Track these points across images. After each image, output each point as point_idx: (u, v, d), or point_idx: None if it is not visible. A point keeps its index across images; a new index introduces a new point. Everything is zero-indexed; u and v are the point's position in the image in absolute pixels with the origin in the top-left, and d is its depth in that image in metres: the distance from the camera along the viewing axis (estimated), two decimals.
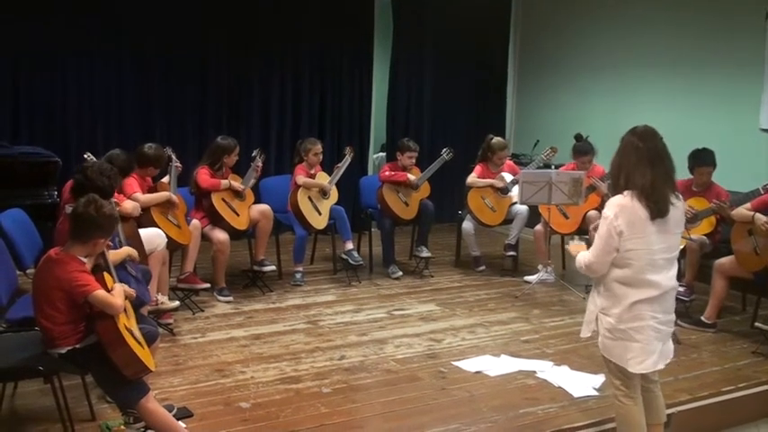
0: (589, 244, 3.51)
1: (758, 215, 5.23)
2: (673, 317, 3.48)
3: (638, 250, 3.30)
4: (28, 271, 4.42)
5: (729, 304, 5.93)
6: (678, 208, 3.40)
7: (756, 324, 5.24)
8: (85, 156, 4.99)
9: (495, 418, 4.01)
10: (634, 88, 8.12)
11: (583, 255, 3.49)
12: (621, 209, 3.30)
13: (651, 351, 3.37)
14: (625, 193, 3.33)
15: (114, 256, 3.80)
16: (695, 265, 5.82)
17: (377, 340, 5.22)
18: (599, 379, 4.49)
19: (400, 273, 6.92)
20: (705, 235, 5.80)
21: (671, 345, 3.51)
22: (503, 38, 9.81)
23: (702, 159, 5.86)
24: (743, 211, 5.37)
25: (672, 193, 3.36)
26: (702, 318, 5.53)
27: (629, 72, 8.17)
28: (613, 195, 3.39)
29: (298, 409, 4.04)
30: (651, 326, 3.35)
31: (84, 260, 3.41)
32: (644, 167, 3.29)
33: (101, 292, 3.27)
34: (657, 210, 3.29)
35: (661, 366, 3.45)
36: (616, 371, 3.46)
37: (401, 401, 4.21)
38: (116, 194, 4.48)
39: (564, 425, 3.96)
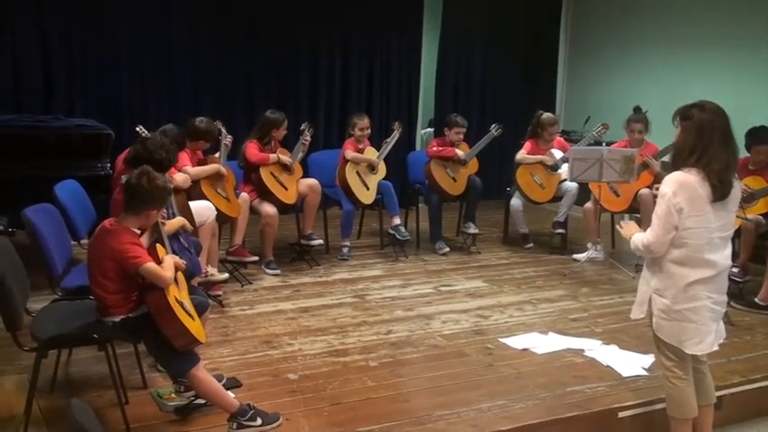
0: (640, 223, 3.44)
1: None
2: (726, 297, 3.41)
3: (696, 228, 3.23)
4: (82, 241, 4.52)
5: None
6: (736, 187, 3.33)
7: None
8: (138, 129, 5.05)
9: (542, 395, 3.99)
10: (688, 64, 7.94)
11: (639, 236, 3.42)
12: (681, 186, 3.22)
13: (707, 332, 3.32)
14: (684, 169, 3.25)
15: (168, 226, 3.85)
16: (750, 246, 5.70)
17: (423, 315, 5.22)
18: (648, 359, 4.43)
19: (447, 249, 6.90)
20: (761, 215, 5.67)
21: (722, 325, 3.45)
22: (554, 13, 9.65)
23: (761, 138, 5.72)
24: None
25: (734, 174, 3.31)
26: (757, 299, 5.42)
27: (684, 48, 7.98)
28: (673, 171, 3.30)
29: (345, 382, 4.07)
30: (707, 306, 3.29)
31: (138, 231, 3.46)
32: (721, 151, 3.21)
33: (151, 265, 3.32)
34: (722, 193, 3.22)
35: (716, 347, 3.39)
36: (669, 352, 3.41)
37: (447, 377, 4.21)
38: None
39: (612, 404, 3.92)
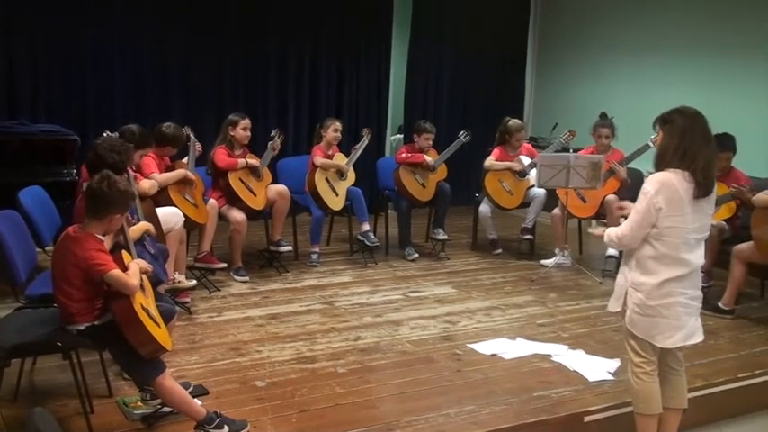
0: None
1: None
2: (700, 293, 3.50)
3: (675, 228, 3.33)
4: (47, 248, 4.47)
5: (748, 291, 5.89)
6: (713, 190, 3.45)
7: None
8: (105, 134, 4.99)
9: (509, 400, 4.01)
10: (655, 71, 8.05)
11: (614, 228, 3.54)
12: (662, 185, 3.32)
13: (678, 327, 3.41)
14: (668, 170, 3.35)
15: (132, 232, 3.82)
16: (714, 251, 5.77)
17: (392, 321, 5.23)
18: (614, 363, 4.48)
19: (416, 255, 6.92)
20: (724, 220, 5.75)
21: (700, 323, 3.51)
22: (522, 20, 9.73)
23: (722, 144, 5.77)
24: (763, 196, 5.33)
25: (715, 173, 3.44)
26: (720, 304, 5.50)
27: (650, 55, 8.10)
28: (657, 171, 3.41)
29: (313, 389, 4.06)
30: (680, 302, 3.39)
31: (102, 238, 3.43)
32: (704, 149, 3.34)
33: (117, 272, 3.29)
34: (706, 189, 3.34)
35: (696, 341, 3.48)
36: (638, 348, 3.48)
37: (416, 383, 4.22)
38: (133, 173, 4.50)
39: (578, 408, 3.96)
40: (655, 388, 3.50)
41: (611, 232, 3.51)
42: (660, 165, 3.43)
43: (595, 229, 3.87)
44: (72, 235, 3.39)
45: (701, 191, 3.33)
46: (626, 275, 3.50)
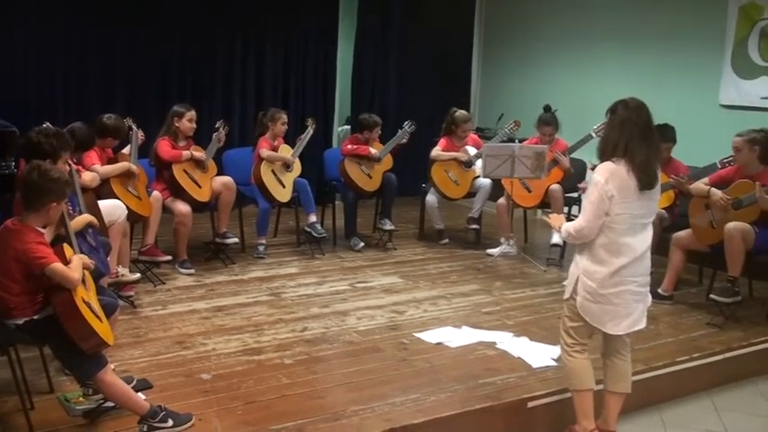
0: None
1: (714, 190, 5.34)
2: (649, 278, 3.61)
3: (624, 214, 3.42)
4: None
5: (686, 277, 6.03)
6: (659, 177, 3.53)
7: (711, 296, 5.34)
8: (45, 125, 4.89)
9: (455, 387, 4.05)
10: (598, 63, 8.20)
11: (570, 223, 3.60)
12: (612, 174, 3.40)
13: (627, 314, 3.52)
14: (614, 159, 3.43)
15: (74, 224, 3.75)
16: (654, 239, 5.88)
17: (339, 312, 5.23)
18: (557, 350, 4.53)
19: (362, 244, 6.93)
20: (664, 209, 5.86)
21: (644, 310, 3.62)
22: (468, 12, 9.80)
23: (663, 135, 5.88)
24: (700, 185, 5.47)
25: (657, 166, 3.51)
26: (660, 290, 5.62)
27: (594, 47, 8.24)
28: (601, 162, 3.49)
29: (259, 381, 4.05)
30: (630, 290, 3.49)
31: (43, 230, 3.36)
32: (640, 143, 3.41)
33: (58, 265, 3.23)
34: (648, 183, 3.43)
35: (640, 327, 3.60)
36: (574, 333, 3.60)
37: (362, 372, 4.24)
38: (75, 166, 4.42)
39: (523, 394, 4.01)
40: (586, 364, 3.63)
41: (568, 227, 3.56)
42: (603, 157, 3.51)
43: (553, 218, 3.94)
44: (11, 228, 3.32)
45: (643, 184, 3.41)
46: (578, 263, 3.58)
